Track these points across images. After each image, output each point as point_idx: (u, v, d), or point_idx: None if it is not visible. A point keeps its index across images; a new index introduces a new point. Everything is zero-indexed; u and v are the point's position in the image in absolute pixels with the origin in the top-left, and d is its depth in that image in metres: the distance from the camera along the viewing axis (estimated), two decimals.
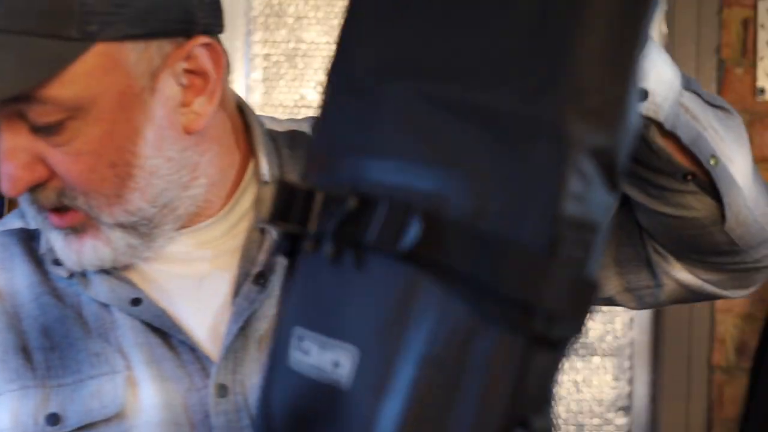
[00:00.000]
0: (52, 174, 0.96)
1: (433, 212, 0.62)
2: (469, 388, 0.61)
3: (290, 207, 0.67)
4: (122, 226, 0.98)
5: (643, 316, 2.37)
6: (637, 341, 2.38)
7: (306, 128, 1.12)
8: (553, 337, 0.61)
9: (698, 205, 0.96)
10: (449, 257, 0.61)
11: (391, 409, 0.61)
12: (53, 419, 0.99)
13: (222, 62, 0.99)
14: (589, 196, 0.61)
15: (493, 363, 0.61)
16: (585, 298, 0.61)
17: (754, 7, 2.34)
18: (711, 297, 1.07)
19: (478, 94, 0.63)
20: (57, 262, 1.02)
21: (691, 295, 1.07)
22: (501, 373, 0.61)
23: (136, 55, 0.94)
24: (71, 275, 1.02)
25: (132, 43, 0.93)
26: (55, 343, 1.01)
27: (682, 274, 1.04)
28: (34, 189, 0.96)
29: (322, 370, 0.64)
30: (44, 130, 0.93)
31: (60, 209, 0.97)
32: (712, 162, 0.94)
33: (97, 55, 0.92)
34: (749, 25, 2.34)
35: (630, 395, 2.39)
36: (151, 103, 0.96)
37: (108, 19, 0.92)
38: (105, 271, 1.02)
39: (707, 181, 0.95)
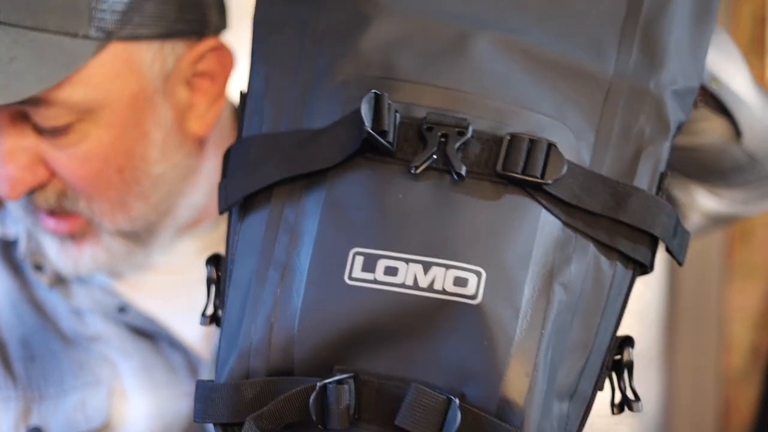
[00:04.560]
0: (53, 175, 0.90)
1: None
2: (611, 311, 0.70)
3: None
4: (123, 233, 0.94)
5: (653, 321, 2.35)
6: (646, 347, 2.35)
7: None
8: (648, 267, 0.72)
9: (711, 129, 0.94)
10: (576, 194, 0.68)
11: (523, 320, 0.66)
12: None
13: (229, 64, 0.95)
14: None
15: (625, 288, 0.71)
16: (684, 238, 0.73)
17: (764, 1, 2.33)
18: (733, 219, 1.07)
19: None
20: (38, 267, 0.97)
21: (713, 225, 1.07)
22: (626, 297, 0.71)
23: (150, 55, 0.89)
24: (52, 284, 0.98)
25: (147, 43, 0.88)
26: (36, 354, 0.96)
27: (705, 200, 1.01)
28: (33, 190, 0.91)
29: (422, 288, 0.65)
30: (50, 132, 0.88)
31: (57, 212, 0.92)
32: (714, 85, 0.93)
33: (111, 55, 0.87)
34: (759, 19, 2.33)
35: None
36: (162, 106, 0.91)
37: (125, 17, 0.86)
38: (87, 281, 0.97)
39: (715, 104, 0.94)
